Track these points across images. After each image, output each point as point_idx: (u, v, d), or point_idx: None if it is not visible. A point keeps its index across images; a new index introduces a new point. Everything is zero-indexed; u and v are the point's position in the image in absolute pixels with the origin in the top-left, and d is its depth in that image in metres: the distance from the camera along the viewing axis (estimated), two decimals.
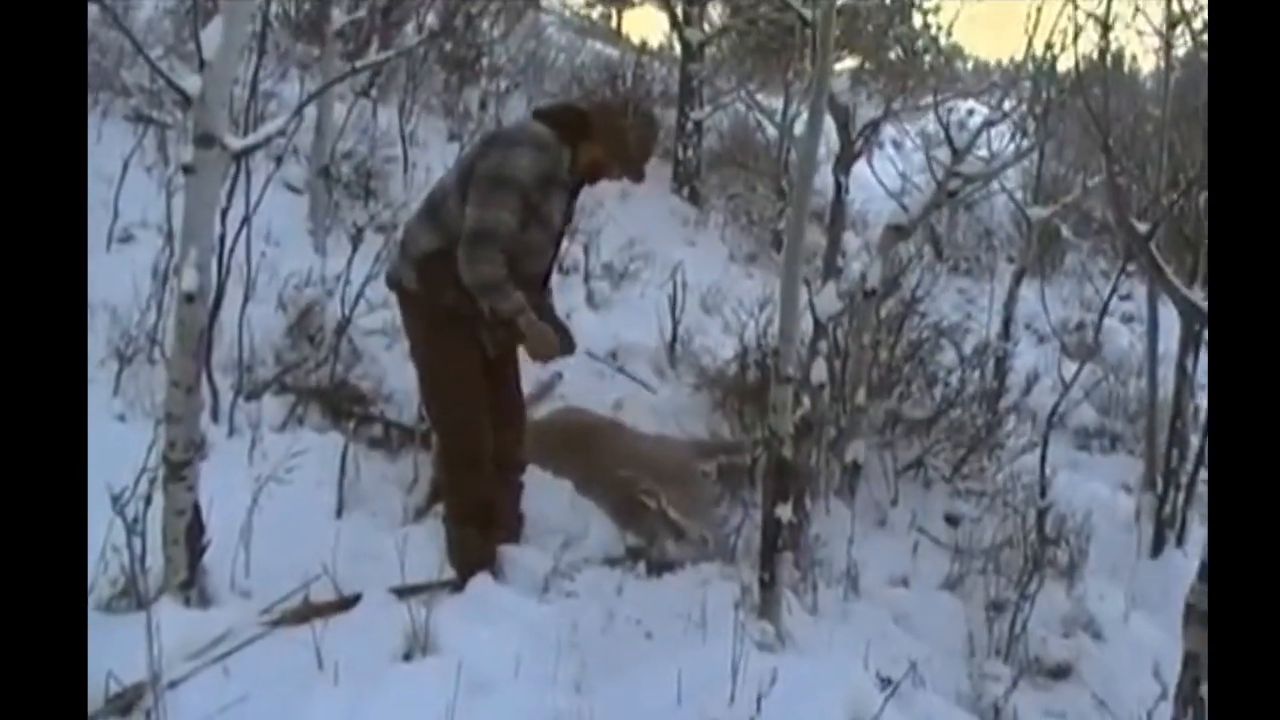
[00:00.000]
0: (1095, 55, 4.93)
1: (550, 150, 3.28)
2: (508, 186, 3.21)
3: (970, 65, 17.15)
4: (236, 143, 2.83)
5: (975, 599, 3.62)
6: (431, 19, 7.53)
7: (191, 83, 2.71)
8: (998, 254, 9.33)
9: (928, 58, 11.93)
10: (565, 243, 3.78)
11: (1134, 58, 9.92)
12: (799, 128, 8.33)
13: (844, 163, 4.52)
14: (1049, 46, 4.72)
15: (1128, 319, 8.68)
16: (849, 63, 10.81)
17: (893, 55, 10.43)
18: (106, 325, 4.14)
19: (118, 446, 3.35)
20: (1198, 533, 4.73)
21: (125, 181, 4.85)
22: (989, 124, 4.43)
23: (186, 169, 2.78)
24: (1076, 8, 4.10)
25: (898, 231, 3.90)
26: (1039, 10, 4.28)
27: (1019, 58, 4.95)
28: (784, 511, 3.00)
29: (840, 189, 5.14)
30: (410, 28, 7.48)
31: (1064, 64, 4.79)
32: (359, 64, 4.18)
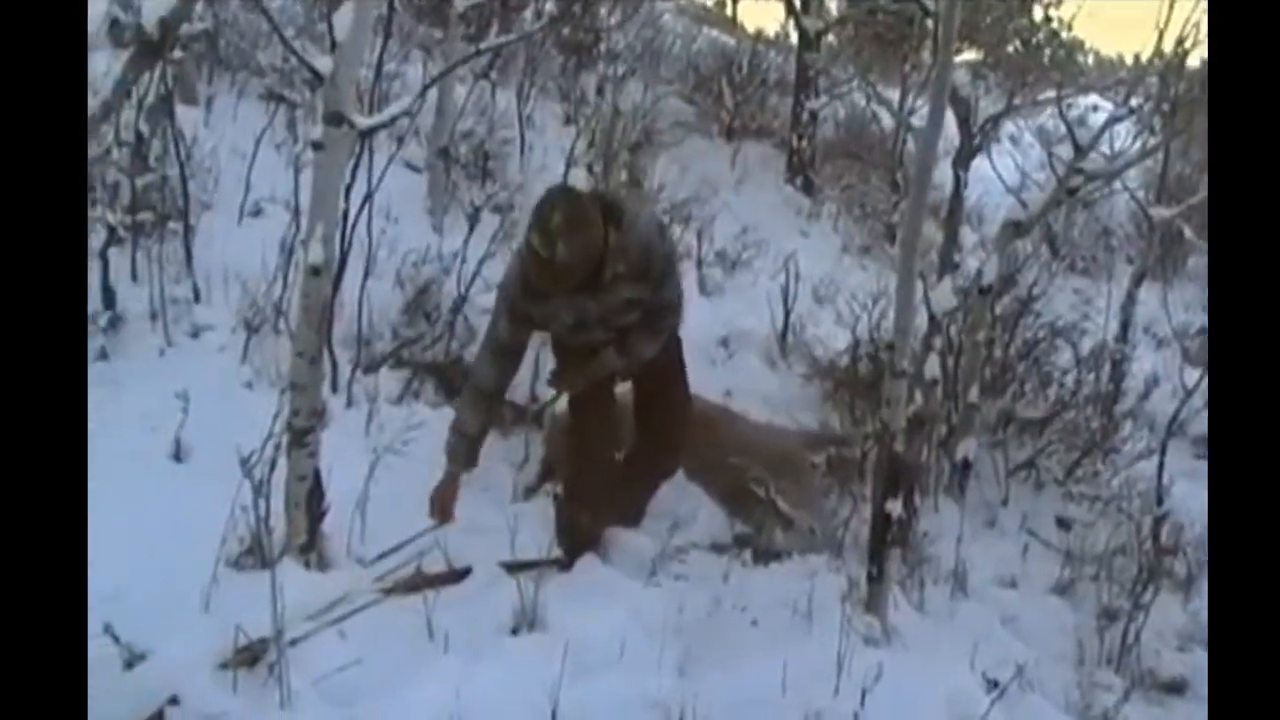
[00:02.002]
0: None
1: (522, 257, 3.12)
2: (499, 293, 3.24)
3: (1091, 60, 16.66)
4: (363, 121, 2.91)
5: (1086, 606, 3.54)
6: (550, 4, 7.62)
7: (323, 63, 2.80)
8: (1116, 255, 9.05)
9: (1047, 52, 11.65)
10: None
11: None
12: (917, 120, 8.23)
13: (964, 157, 4.43)
14: (1180, 42, 4.58)
15: None
16: (968, 55, 10.62)
17: (1011, 49, 10.20)
18: (237, 296, 4.29)
19: (245, 412, 3.50)
20: None
21: (257, 158, 5.01)
22: (1114, 120, 4.30)
23: (316, 145, 2.87)
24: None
25: (1016, 228, 3.81)
26: (1171, 5, 4.13)
27: (1144, 53, 4.79)
28: (894, 506, 2.98)
29: (959, 183, 5.05)
30: (529, 12, 7.56)
31: (1194, 60, 4.62)
32: (481, 46, 4.24)
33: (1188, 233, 8.59)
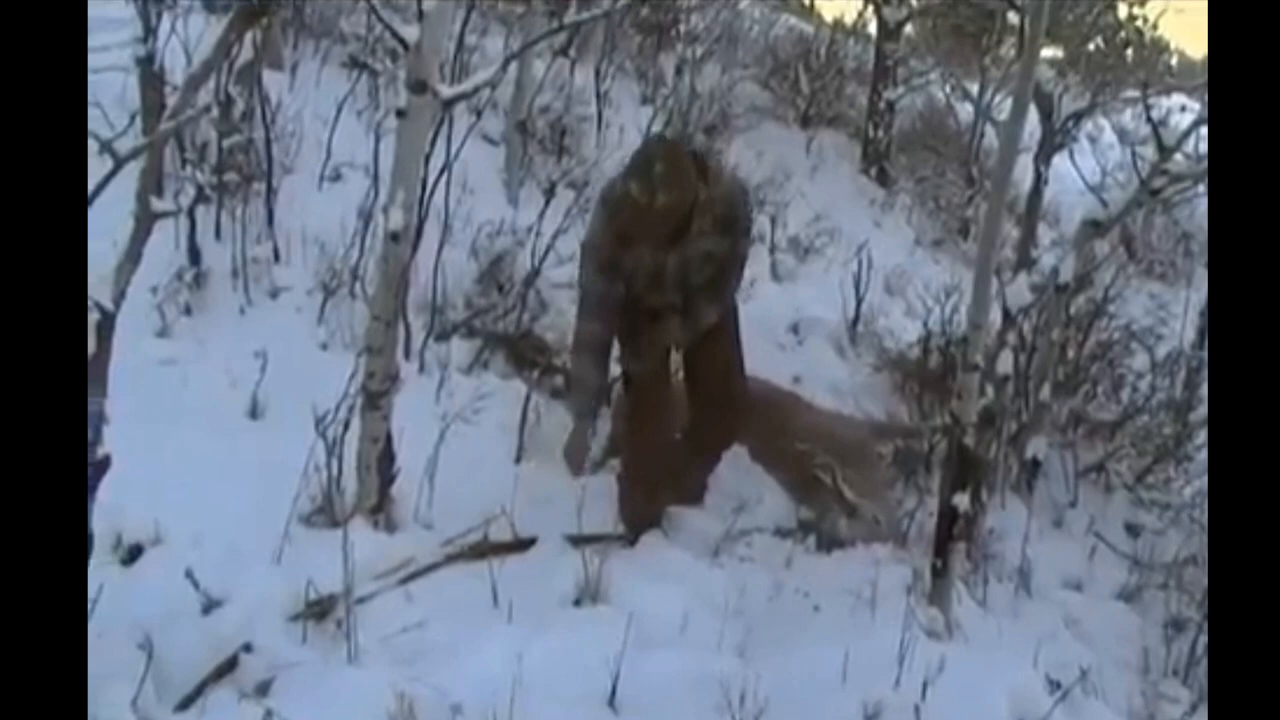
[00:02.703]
0: None
1: (613, 205, 3.17)
2: (585, 250, 3.31)
3: (1175, 60, 16.25)
4: (446, 90, 2.95)
5: (1153, 614, 3.48)
6: None
7: (409, 31, 2.83)
8: (1195, 260, 8.84)
9: (1129, 51, 11.39)
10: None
11: None
12: (998, 115, 8.11)
13: (1045, 153, 4.35)
14: None
15: None
16: (1050, 51, 10.41)
17: (1092, 46, 9.98)
18: (315, 259, 4.36)
19: (320, 372, 3.56)
20: None
21: (338, 124, 5.07)
22: (1200, 122, 4.19)
23: (400, 113, 2.91)
24: None
25: (1095, 227, 3.75)
26: None
27: None
28: (961, 500, 2.95)
29: (1039, 179, 4.97)
30: None
31: None
32: (565, 21, 4.27)
33: None
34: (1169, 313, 6.75)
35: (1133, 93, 6.76)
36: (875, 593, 3.00)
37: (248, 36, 3.99)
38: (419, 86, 2.82)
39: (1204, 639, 3.33)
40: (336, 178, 5.10)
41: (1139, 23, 11.12)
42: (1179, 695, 3.20)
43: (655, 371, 3.46)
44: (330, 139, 5.03)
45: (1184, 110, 8.47)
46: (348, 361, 3.86)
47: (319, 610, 2.78)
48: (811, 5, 14.82)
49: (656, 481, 3.50)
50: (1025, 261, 3.88)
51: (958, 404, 2.94)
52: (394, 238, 2.88)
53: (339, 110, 5.10)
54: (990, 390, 3.08)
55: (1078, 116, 6.13)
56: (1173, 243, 8.69)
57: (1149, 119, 3.92)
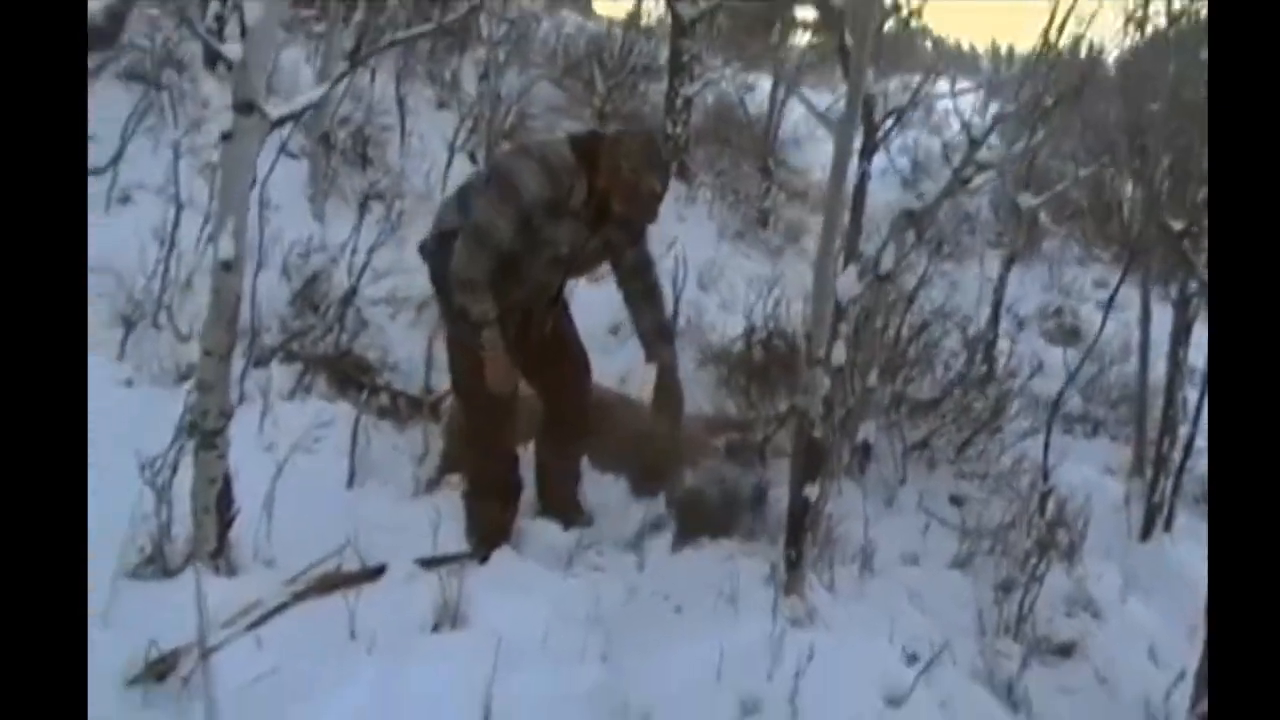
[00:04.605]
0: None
1: (557, 176, 3.23)
2: (508, 198, 3.22)
3: (930, 45, 17.33)
4: (275, 110, 2.79)
5: (984, 578, 3.67)
6: None
7: (232, 49, 2.67)
8: (978, 238, 9.40)
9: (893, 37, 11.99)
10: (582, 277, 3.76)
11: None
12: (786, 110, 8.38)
13: (867, 149, 4.53)
14: (1046, 40, 4.78)
15: (1102, 305, 8.80)
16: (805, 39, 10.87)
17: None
18: (111, 288, 4.07)
19: (127, 411, 3.33)
20: (1185, 519, 4.85)
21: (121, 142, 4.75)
22: (1003, 116, 4.48)
23: (225, 136, 2.74)
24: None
25: (910, 217, 3.91)
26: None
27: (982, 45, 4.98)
28: (812, 491, 3.04)
29: (864, 175, 5.13)
30: None
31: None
32: (398, 36, 4.15)
33: (1041, 216, 9.01)
34: (959, 290, 7.18)
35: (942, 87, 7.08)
36: (735, 588, 3.04)
37: None
38: (245, 107, 2.65)
39: (1029, 597, 3.56)
40: (126, 200, 4.80)
41: (901, 12, 11.72)
42: (1012, 652, 3.40)
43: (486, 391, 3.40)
44: (117, 159, 4.70)
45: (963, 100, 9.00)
46: (158, 398, 3.64)
47: (161, 669, 2.59)
48: (588, 2, 14.90)
49: (505, 494, 3.46)
50: (853, 253, 4.00)
51: (803, 397, 3.02)
52: (225, 266, 2.71)
53: (126, 128, 4.78)
54: (826, 380, 3.16)
55: (900, 112, 6.39)
56: (956, 223, 9.20)
57: (957, 113, 4.14)
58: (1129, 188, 8.05)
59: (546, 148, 3.32)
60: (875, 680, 2.67)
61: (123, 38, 5.42)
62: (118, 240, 4.29)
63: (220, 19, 5.48)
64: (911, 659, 2.88)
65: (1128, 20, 5.14)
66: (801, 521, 3.05)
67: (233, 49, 2.62)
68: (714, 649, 2.67)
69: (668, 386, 3.53)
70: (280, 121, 2.81)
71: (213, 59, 5.98)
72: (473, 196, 3.34)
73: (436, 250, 3.42)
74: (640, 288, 3.59)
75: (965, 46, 21.00)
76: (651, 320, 3.58)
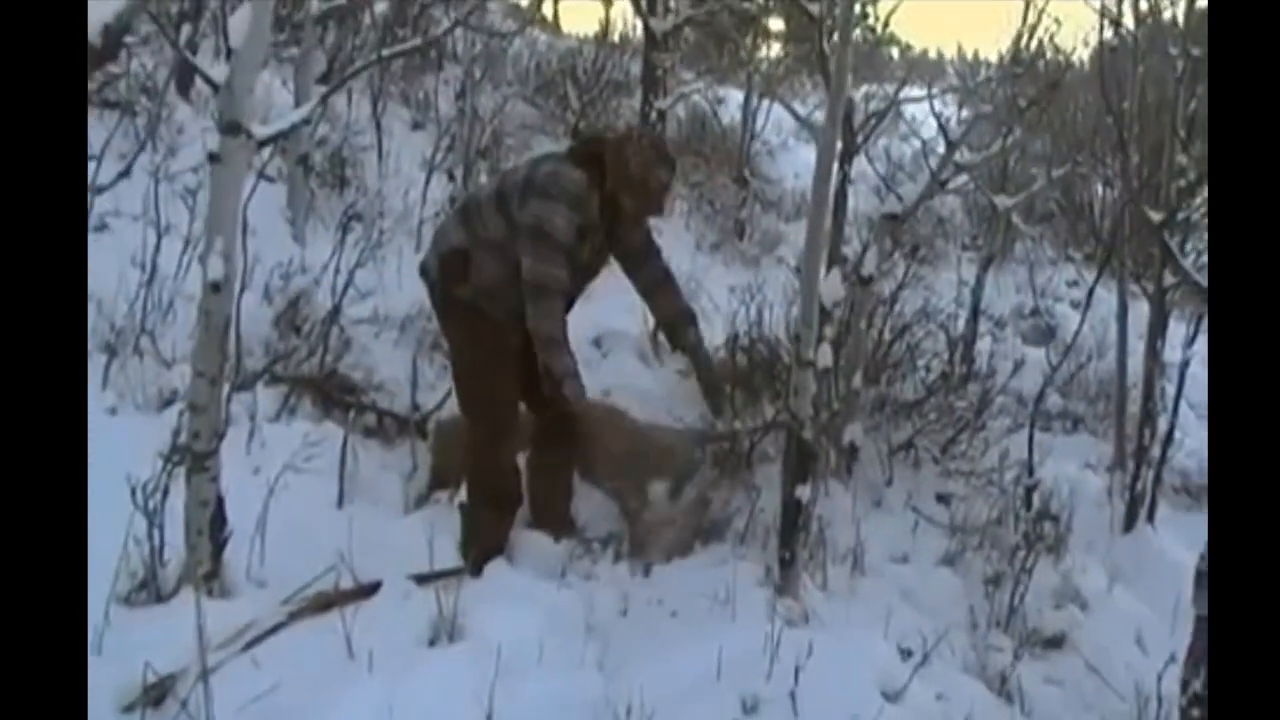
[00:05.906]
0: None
1: (582, 203, 3.29)
2: (551, 243, 3.26)
3: (897, 54, 17.50)
4: (261, 131, 2.80)
5: (973, 574, 3.72)
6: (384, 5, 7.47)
7: (218, 71, 2.69)
8: (950, 241, 9.47)
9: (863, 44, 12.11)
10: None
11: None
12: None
13: (847, 153, 4.58)
14: (1019, 42, 4.86)
15: (1076, 304, 8.88)
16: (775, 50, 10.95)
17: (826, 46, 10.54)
18: (92, 316, 4.05)
19: (113, 439, 3.31)
20: (1166, 510, 4.92)
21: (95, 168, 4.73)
22: (979, 118, 4.55)
23: (212, 157, 2.75)
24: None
25: (892, 220, 3.98)
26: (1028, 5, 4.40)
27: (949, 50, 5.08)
28: (804, 492, 3.06)
29: (845, 180, 5.19)
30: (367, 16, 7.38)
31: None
32: (389, 51, 4.15)
33: (1015, 219, 9.08)
34: (934, 293, 7.23)
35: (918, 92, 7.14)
36: (730, 591, 3.06)
37: None
38: (232, 128, 2.66)
39: (1018, 590, 3.60)
40: (102, 227, 4.77)
41: (869, 20, 11.84)
42: (1004, 645, 3.45)
43: (488, 402, 3.44)
44: (92, 185, 4.68)
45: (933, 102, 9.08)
46: (143, 425, 3.62)
47: (157, 694, 2.58)
48: (556, 20, 14.92)
49: (506, 504, 3.49)
50: (836, 258, 4.05)
51: (794, 401, 3.05)
52: (215, 288, 2.71)
53: (101, 153, 4.76)
54: (813, 383, 3.20)
55: (880, 117, 6.46)
56: (930, 227, 9.27)
57: (936, 117, 4.20)
58: (1099, 188, 8.15)
59: (562, 179, 3.30)
60: (872, 676, 2.70)
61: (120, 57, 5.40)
62: (97, 268, 4.24)
63: (193, 42, 5.47)
64: (906, 654, 2.91)
65: (1102, 16, 5.21)
66: (794, 523, 3.08)
67: (217, 71, 2.63)
68: (712, 651, 2.70)
69: (707, 370, 3.62)
70: (266, 141, 2.82)
71: (185, 85, 5.99)
72: (482, 214, 3.39)
73: (440, 271, 3.46)
74: (655, 275, 3.62)
75: (932, 53, 21.15)
76: (673, 304, 3.62)
